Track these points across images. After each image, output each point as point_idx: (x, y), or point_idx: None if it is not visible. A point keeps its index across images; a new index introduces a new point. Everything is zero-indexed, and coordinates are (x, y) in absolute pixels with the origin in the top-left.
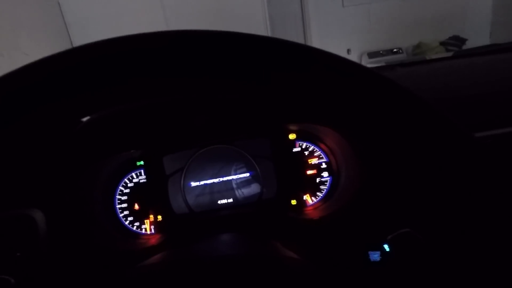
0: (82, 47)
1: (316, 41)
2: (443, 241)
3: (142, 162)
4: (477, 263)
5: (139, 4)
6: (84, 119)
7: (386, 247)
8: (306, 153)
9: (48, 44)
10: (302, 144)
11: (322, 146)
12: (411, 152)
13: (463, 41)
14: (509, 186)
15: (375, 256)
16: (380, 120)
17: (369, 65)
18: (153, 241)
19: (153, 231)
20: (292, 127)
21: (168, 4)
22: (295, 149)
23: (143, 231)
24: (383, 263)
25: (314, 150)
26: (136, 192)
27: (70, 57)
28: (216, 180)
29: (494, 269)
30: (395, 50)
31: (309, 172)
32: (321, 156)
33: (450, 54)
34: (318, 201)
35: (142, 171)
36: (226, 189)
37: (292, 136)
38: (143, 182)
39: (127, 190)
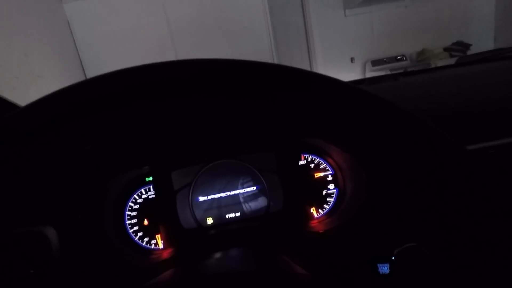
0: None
1: (319, 51)
2: (447, 254)
3: (151, 178)
4: (481, 272)
5: (145, 21)
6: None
7: (393, 259)
8: (312, 165)
9: (58, 63)
10: (308, 157)
11: (328, 158)
12: (409, 166)
13: (467, 46)
14: (508, 196)
15: (384, 268)
16: (377, 137)
17: (372, 73)
18: (163, 256)
19: (162, 246)
20: (297, 140)
21: (173, 20)
22: (300, 162)
23: (152, 246)
24: (392, 275)
25: (320, 162)
26: (145, 208)
27: (112, 80)
28: (223, 194)
29: (498, 277)
30: (398, 57)
31: (315, 184)
32: (326, 169)
33: (454, 60)
34: (324, 214)
35: (151, 186)
36: (233, 203)
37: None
38: (152, 197)
39: (137, 206)
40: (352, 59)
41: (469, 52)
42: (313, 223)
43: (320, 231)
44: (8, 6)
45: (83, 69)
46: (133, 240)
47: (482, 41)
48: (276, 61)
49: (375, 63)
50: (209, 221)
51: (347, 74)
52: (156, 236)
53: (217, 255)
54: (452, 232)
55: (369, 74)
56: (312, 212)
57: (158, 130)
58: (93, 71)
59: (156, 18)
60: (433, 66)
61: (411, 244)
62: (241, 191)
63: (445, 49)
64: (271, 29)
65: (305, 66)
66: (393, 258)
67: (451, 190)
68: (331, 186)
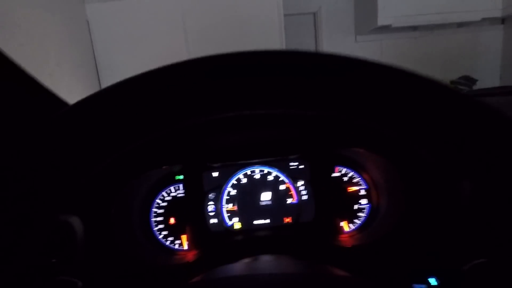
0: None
1: None
2: None
3: (181, 177)
4: None
5: (163, 28)
6: None
7: (433, 280)
8: (345, 179)
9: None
10: (342, 170)
11: (362, 173)
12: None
13: (473, 81)
14: None
15: None
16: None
17: None
18: (187, 258)
19: (186, 247)
20: (332, 152)
21: (190, 30)
22: (334, 174)
23: (176, 246)
24: None
25: (354, 176)
26: (173, 207)
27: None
28: (253, 200)
29: None
30: None
31: (348, 198)
32: (360, 183)
33: None
34: (355, 229)
35: (180, 185)
36: (263, 210)
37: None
38: (181, 196)
39: (164, 204)
40: None
41: (475, 87)
42: (343, 237)
43: (349, 246)
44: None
45: (97, 70)
46: (157, 238)
47: (488, 77)
48: None
49: None
50: (237, 225)
51: None
52: (181, 236)
53: (257, 258)
54: None
55: None
56: (342, 226)
57: (194, 129)
58: (106, 72)
59: (174, 26)
60: None
61: (481, 260)
62: (272, 198)
63: (452, 82)
64: (285, 48)
65: None
66: (431, 278)
67: None
68: (364, 201)
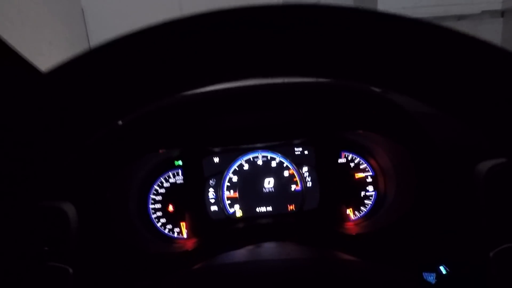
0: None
1: None
2: None
3: (180, 162)
4: None
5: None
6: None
7: (442, 268)
8: (352, 165)
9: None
10: (348, 155)
11: (369, 158)
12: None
13: None
14: None
15: (430, 278)
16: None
17: None
18: (186, 246)
19: (186, 235)
20: (338, 136)
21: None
22: (340, 160)
23: (175, 234)
24: (438, 285)
25: (360, 162)
26: (172, 193)
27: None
28: (256, 187)
29: None
30: None
31: (354, 185)
32: (367, 169)
33: None
34: (361, 217)
35: (179, 171)
36: (266, 197)
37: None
38: (180, 183)
39: (162, 190)
40: None
41: None
42: (348, 225)
43: (353, 234)
44: None
45: None
46: (155, 226)
47: None
48: None
49: None
50: (239, 213)
51: None
52: (181, 224)
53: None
54: None
55: None
56: (348, 214)
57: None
58: None
59: (171, 16)
60: None
61: (509, 245)
62: (275, 185)
63: None
64: None
65: None
66: (441, 266)
67: None
68: (370, 188)
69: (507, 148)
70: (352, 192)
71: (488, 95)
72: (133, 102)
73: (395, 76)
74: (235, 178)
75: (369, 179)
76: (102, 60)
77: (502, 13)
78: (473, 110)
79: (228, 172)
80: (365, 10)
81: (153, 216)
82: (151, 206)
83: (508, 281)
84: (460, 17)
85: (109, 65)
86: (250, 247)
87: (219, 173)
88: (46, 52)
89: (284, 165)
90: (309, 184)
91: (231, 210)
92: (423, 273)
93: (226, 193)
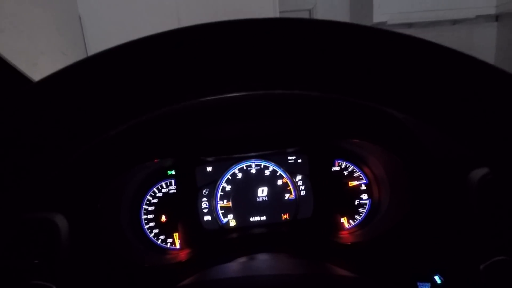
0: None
1: None
2: None
3: (173, 172)
4: None
5: (157, 22)
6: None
7: (436, 278)
8: (345, 173)
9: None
10: (342, 164)
11: (363, 167)
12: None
13: None
14: None
15: (425, 287)
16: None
17: None
18: (179, 257)
19: (179, 246)
20: (332, 145)
21: (184, 24)
22: (334, 168)
23: (168, 245)
24: None
25: (354, 170)
26: (164, 203)
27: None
28: (249, 196)
29: None
30: None
31: (348, 193)
32: (360, 177)
33: None
34: (355, 225)
35: (172, 181)
36: (259, 206)
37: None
38: (173, 192)
39: (155, 200)
40: None
41: None
42: (343, 234)
43: (348, 243)
44: None
45: None
46: (147, 237)
47: None
48: None
49: None
50: (232, 223)
51: None
52: (173, 235)
53: (248, 257)
54: None
55: None
56: (343, 222)
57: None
58: None
59: (168, 22)
60: None
61: (500, 258)
62: (269, 194)
63: None
64: None
65: None
66: (436, 276)
67: None
68: (364, 196)
69: (488, 158)
70: (346, 201)
71: (468, 108)
72: (111, 120)
73: (375, 90)
74: (228, 187)
75: (363, 187)
76: (86, 74)
77: (496, 18)
78: (454, 122)
79: (221, 181)
80: (342, 24)
81: (146, 226)
82: (144, 217)
83: None
84: (455, 22)
85: (92, 79)
86: (242, 260)
87: (212, 182)
88: (41, 61)
89: (278, 173)
90: (302, 192)
91: (225, 220)
92: (418, 283)
93: (220, 203)
